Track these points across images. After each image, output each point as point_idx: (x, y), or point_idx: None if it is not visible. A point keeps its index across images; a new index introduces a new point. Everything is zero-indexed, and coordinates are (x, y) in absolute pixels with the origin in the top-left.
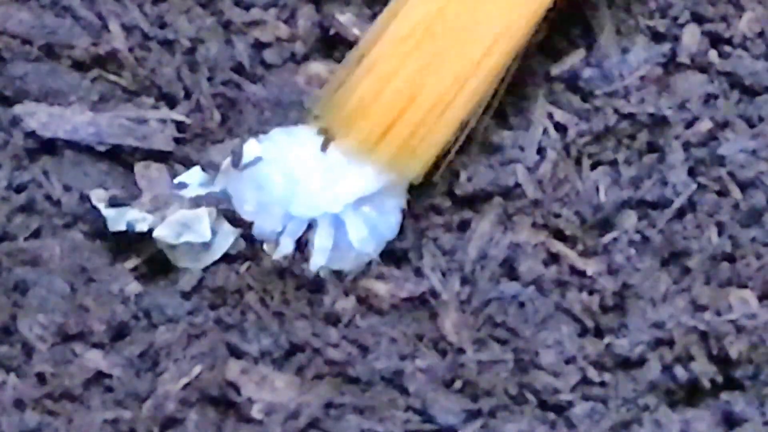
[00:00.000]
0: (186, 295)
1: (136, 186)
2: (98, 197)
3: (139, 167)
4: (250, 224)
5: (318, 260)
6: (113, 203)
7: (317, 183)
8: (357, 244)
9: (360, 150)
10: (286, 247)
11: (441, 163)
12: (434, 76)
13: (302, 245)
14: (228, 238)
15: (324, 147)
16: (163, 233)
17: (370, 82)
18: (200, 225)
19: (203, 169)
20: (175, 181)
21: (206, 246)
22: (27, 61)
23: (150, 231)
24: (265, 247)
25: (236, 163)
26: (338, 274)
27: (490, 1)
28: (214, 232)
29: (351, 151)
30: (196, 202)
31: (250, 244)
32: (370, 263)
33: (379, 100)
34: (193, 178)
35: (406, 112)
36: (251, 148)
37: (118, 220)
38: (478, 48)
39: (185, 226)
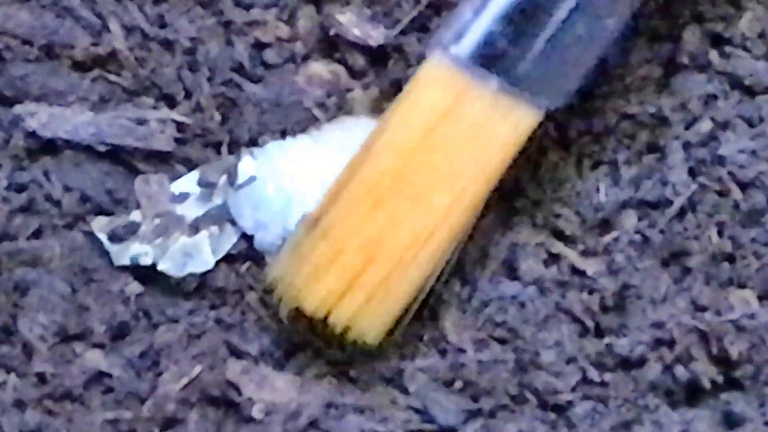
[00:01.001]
0: (186, 295)
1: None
2: (100, 227)
3: (138, 182)
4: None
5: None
6: (115, 237)
7: (314, 198)
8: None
9: (319, 311)
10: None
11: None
12: (392, 238)
13: None
14: (230, 238)
15: (281, 315)
16: (166, 266)
17: (327, 245)
18: (202, 253)
19: (200, 185)
20: (175, 190)
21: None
22: (27, 61)
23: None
24: (267, 258)
25: (232, 182)
26: None
27: (450, 160)
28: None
29: (312, 311)
30: (197, 225)
31: (251, 244)
32: None
33: (337, 262)
34: (192, 184)
35: (363, 274)
36: (246, 165)
37: (121, 254)
38: (438, 207)
39: (188, 256)
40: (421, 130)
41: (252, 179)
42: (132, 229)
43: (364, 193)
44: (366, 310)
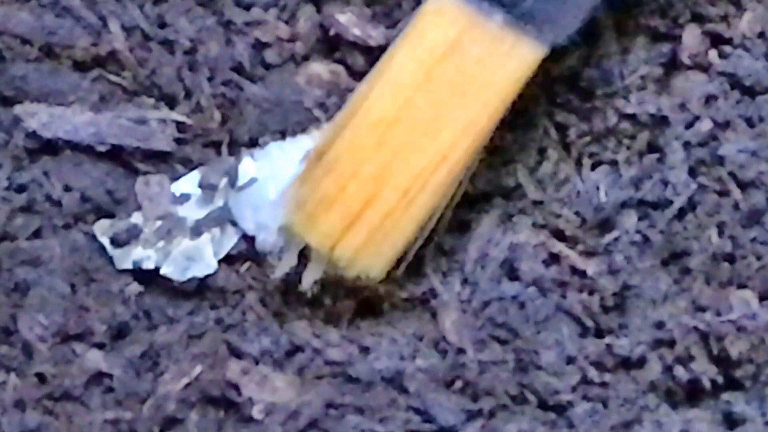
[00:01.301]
0: (186, 296)
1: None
2: (102, 230)
3: (139, 184)
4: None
5: (310, 277)
6: (117, 241)
7: None
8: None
9: (323, 246)
10: (290, 260)
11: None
12: (397, 173)
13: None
14: (231, 238)
15: (287, 246)
16: (169, 270)
17: (332, 178)
18: (205, 257)
19: (201, 186)
20: (176, 191)
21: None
22: (27, 61)
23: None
24: (269, 259)
25: (233, 184)
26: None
27: (454, 95)
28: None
29: (316, 247)
30: (199, 228)
31: (250, 244)
32: None
33: (341, 198)
34: (193, 184)
35: (368, 208)
36: (246, 167)
37: (124, 259)
38: (443, 142)
39: (190, 260)
40: (426, 65)
41: (253, 181)
42: (134, 233)
43: (369, 127)
44: (370, 244)
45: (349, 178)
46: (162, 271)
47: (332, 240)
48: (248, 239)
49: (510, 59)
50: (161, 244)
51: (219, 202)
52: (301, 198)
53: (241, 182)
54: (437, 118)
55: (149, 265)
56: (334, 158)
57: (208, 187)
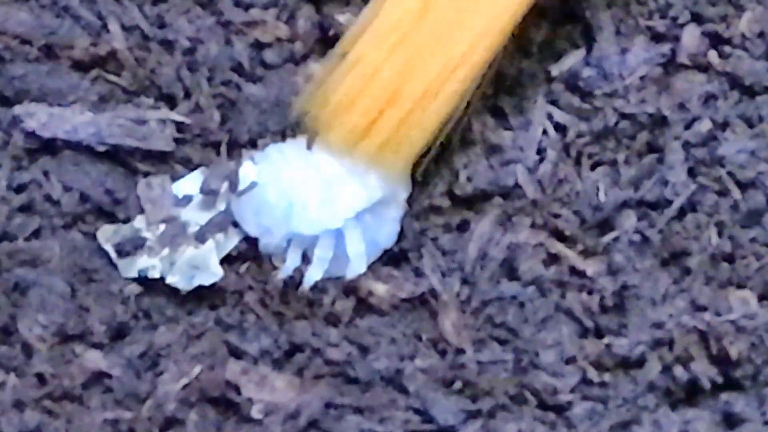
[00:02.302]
0: (186, 296)
1: (136, 187)
2: (105, 237)
3: (141, 186)
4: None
5: (314, 274)
6: (122, 251)
7: (315, 201)
8: (353, 257)
9: (345, 145)
10: (293, 261)
11: (432, 160)
12: (418, 72)
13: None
14: (233, 239)
15: (309, 144)
16: (175, 279)
17: (354, 78)
18: (210, 265)
19: (202, 192)
20: (178, 193)
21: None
22: (27, 61)
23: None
24: (273, 261)
25: (234, 189)
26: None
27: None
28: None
29: (337, 146)
30: (203, 235)
31: (251, 244)
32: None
33: (363, 96)
34: (194, 184)
35: (389, 107)
36: (247, 171)
37: (129, 268)
38: (462, 43)
39: (195, 268)
40: None
41: (253, 185)
42: (139, 243)
43: (389, 29)
44: (392, 143)
45: (371, 78)
46: (168, 281)
47: (354, 138)
48: (248, 239)
49: None
50: (166, 252)
51: (221, 206)
52: (324, 96)
53: (241, 187)
54: (458, 19)
55: (154, 274)
56: (356, 57)
57: (209, 193)
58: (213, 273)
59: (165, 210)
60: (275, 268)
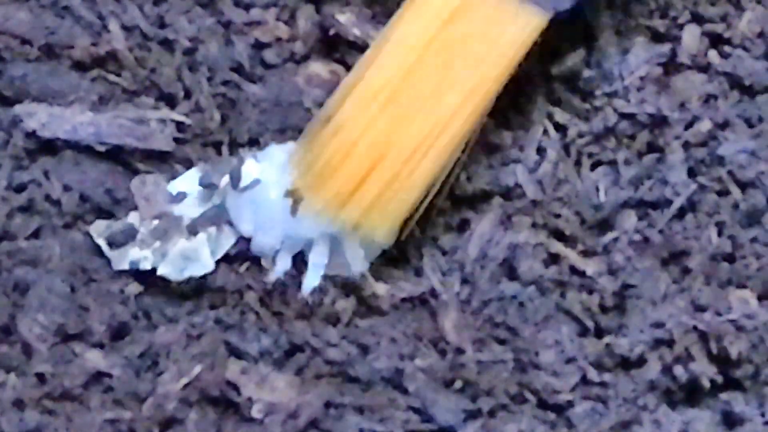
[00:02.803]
0: (186, 296)
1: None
2: (98, 231)
3: (135, 183)
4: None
5: (311, 280)
6: (114, 242)
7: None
8: (352, 263)
9: (330, 210)
10: (284, 263)
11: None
12: (404, 135)
13: (299, 262)
14: (229, 239)
15: (293, 209)
16: (167, 271)
17: (338, 142)
18: (201, 257)
19: (201, 184)
20: (173, 190)
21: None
22: (27, 61)
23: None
24: (263, 262)
25: (235, 185)
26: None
27: (459, 59)
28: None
29: (322, 211)
30: (195, 227)
31: (250, 243)
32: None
33: (347, 161)
34: (190, 182)
35: (374, 171)
36: (249, 168)
37: (121, 259)
38: (447, 106)
39: (187, 260)
40: (431, 30)
41: (256, 182)
42: (130, 234)
43: (375, 91)
44: (376, 207)
45: (356, 141)
46: (159, 272)
47: (339, 203)
48: (247, 239)
49: (513, 25)
50: (158, 244)
51: (216, 201)
52: (308, 161)
53: (244, 183)
54: (442, 83)
55: (146, 265)
56: (340, 122)
57: (208, 186)
58: (204, 265)
59: (158, 206)
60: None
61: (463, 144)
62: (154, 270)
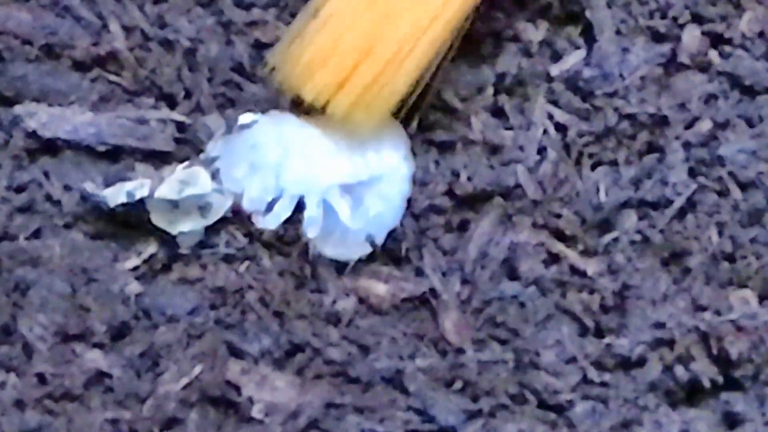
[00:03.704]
0: (186, 295)
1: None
2: (92, 187)
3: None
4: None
5: (310, 232)
6: (108, 184)
7: (310, 156)
8: (346, 221)
9: (316, 102)
10: (274, 220)
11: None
12: (390, 29)
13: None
14: (227, 200)
15: (280, 100)
16: (164, 192)
17: (325, 35)
18: (200, 179)
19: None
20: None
21: (204, 210)
22: (27, 61)
23: (149, 220)
24: (252, 219)
25: (230, 130)
26: (339, 272)
27: None
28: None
29: (309, 103)
30: (191, 165)
31: (250, 243)
32: (369, 263)
33: (335, 53)
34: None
35: (361, 64)
36: (247, 117)
37: (116, 195)
38: (432, 3)
39: (185, 183)
40: None
41: (254, 122)
42: (126, 174)
43: None
44: (364, 99)
45: (344, 33)
46: (156, 194)
47: (327, 95)
48: (247, 236)
49: None
50: (154, 174)
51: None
52: (296, 53)
53: (241, 122)
54: None
55: (143, 192)
56: (328, 13)
57: (204, 131)
58: (203, 186)
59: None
60: (274, 266)
61: (449, 42)
62: (155, 270)
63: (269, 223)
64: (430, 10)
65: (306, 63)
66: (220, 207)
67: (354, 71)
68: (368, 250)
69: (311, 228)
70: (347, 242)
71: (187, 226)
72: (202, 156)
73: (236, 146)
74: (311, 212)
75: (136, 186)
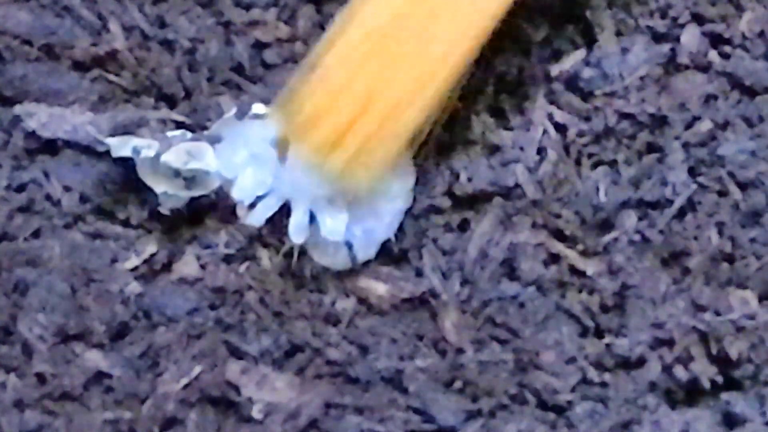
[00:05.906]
0: (186, 295)
1: (135, 187)
2: (94, 131)
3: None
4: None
5: (296, 238)
6: (116, 133)
7: (304, 167)
8: (326, 234)
9: (314, 158)
10: (259, 217)
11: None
12: (387, 86)
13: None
14: (215, 182)
15: (281, 154)
16: (170, 158)
17: (324, 89)
18: (206, 155)
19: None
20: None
21: (190, 182)
22: (27, 61)
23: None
24: (238, 210)
25: (241, 116)
26: (338, 274)
27: (446, 9)
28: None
29: (307, 159)
30: (196, 139)
31: (250, 243)
32: (369, 263)
33: (333, 109)
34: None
35: (360, 120)
36: (261, 107)
37: (121, 147)
38: (433, 55)
39: (190, 155)
40: None
41: (264, 115)
42: (134, 129)
43: (361, 39)
44: (361, 156)
45: (341, 90)
46: (162, 159)
47: (324, 152)
48: (246, 237)
49: None
50: (162, 137)
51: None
52: (293, 110)
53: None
54: (428, 32)
55: (149, 153)
56: (326, 70)
57: (215, 108)
58: (207, 163)
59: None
60: (274, 266)
61: (448, 95)
62: (154, 270)
63: (254, 219)
64: (429, 64)
65: (305, 117)
66: (206, 185)
67: (352, 127)
68: (359, 258)
69: (297, 234)
70: (336, 252)
71: (170, 190)
72: (206, 132)
73: (243, 133)
74: (297, 219)
75: (143, 145)
